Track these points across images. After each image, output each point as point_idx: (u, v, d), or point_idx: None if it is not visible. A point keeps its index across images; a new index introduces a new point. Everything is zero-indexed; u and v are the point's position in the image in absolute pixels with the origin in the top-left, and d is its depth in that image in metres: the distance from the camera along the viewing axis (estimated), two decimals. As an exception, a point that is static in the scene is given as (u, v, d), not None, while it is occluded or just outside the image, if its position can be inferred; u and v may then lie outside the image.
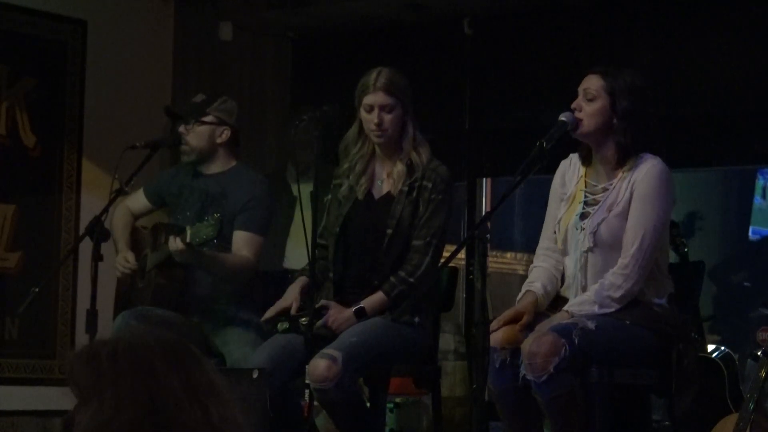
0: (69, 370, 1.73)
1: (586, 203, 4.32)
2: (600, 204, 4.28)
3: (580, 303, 4.20)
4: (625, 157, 4.25)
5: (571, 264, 4.32)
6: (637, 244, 4.18)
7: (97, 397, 1.69)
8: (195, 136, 5.13)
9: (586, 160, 4.37)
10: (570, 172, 4.41)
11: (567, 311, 4.21)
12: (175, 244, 4.74)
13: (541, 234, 4.49)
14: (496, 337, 4.14)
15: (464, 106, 6.48)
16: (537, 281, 4.37)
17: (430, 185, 4.62)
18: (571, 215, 4.33)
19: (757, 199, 9.73)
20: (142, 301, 5.12)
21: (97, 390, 1.70)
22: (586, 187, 4.35)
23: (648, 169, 4.23)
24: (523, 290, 4.38)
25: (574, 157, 4.42)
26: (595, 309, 4.17)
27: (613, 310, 4.18)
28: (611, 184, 4.28)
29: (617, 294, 4.17)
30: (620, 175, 4.27)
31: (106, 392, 1.69)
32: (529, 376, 4.04)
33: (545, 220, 4.47)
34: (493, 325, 4.16)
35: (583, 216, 4.30)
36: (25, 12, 6.36)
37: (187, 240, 4.69)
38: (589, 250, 4.26)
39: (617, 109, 4.24)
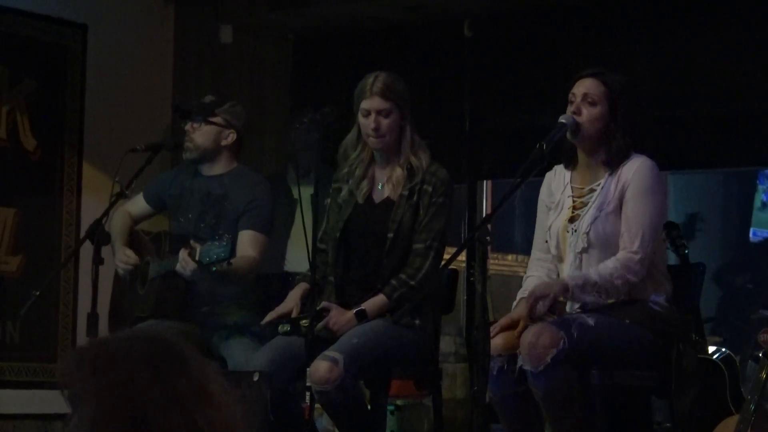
0: (60, 374, 1.73)
1: (575, 207, 4.35)
2: (590, 204, 4.30)
3: (582, 277, 4.18)
4: (618, 160, 4.28)
5: (566, 267, 4.34)
6: (638, 240, 4.20)
7: (80, 407, 1.69)
8: (201, 134, 5.14)
9: (570, 164, 4.39)
10: (556, 181, 4.43)
11: (565, 280, 4.18)
12: (186, 263, 4.74)
13: (533, 243, 4.52)
14: (495, 344, 4.16)
15: (464, 107, 6.47)
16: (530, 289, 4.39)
17: (430, 189, 4.64)
18: (561, 221, 4.35)
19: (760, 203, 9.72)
20: (143, 310, 5.12)
21: (81, 399, 1.69)
22: (573, 192, 4.37)
23: (638, 167, 4.27)
24: (518, 298, 4.41)
25: (558, 168, 4.45)
26: (593, 294, 4.15)
27: (609, 300, 4.18)
28: (599, 185, 4.31)
29: (619, 282, 4.17)
30: (607, 174, 4.30)
31: (87, 404, 1.68)
32: (527, 367, 4.06)
33: (535, 230, 4.50)
34: (491, 332, 4.17)
35: (573, 219, 4.33)
36: (26, 15, 6.37)
37: (197, 258, 4.69)
38: (584, 250, 4.27)
39: (617, 114, 4.27)
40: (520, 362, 4.10)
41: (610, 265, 4.19)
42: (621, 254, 4.21)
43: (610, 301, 4.22)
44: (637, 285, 4.23)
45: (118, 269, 5.17)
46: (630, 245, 4.21)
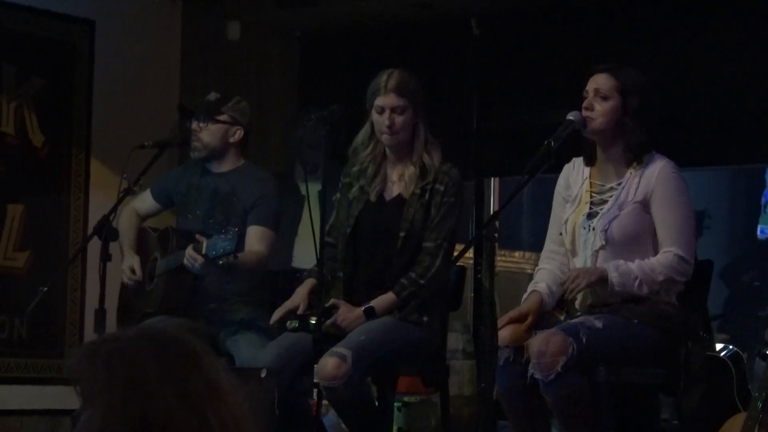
0: (72, 366, 1.72)
1: (592, 203, 4.33)
2: (610, 203, 4.29)
3: (623, 270, 4.17)
4: (636, 156, 4.27)
5: (580, 263, 4.33)
6: (681, 241, 4.21)
7: (91, 404, 1.68)
8: (208, 133, 5.15)
9: (590, 161, 4.38)
10: (574, 174, 4.42)
11: (605, 270, 4.17)
12: (192, 257, 4.74)
13: (546, 236, 4.51)
14: (503, 335, 4.16)
15: (472, 105, 6.48)
16: (542, 282, 4.38)
17: (442, 188, 4.64)
18: (578, 216, 4.34)
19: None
20: (150, 306, 5.13)
21: (92, 395, 1.68)
22: (591, 187, 4.36)
23: (662, 168, 4.27)
24: (529, 290, 4.40)
25: (577, 161, 4.44)
26: (631, 287, 4.15)
27: (643, 293, 4.18)
28: (620, 183, 4.30)
29: (661, 278, 4.18)
30: (629, 173, 4.29)
31: (98, 400, 1.68)
32: (537, 376, 4.05)
33: (550, 223, 4.50)
34: (499, 323, 4.17)
35: (591, 216, 4.31)
36: (33, 12, 6.37)
37: (203, 252, 4.69)
38: (601, 248, 4.26)
39: (628, 108, 4.26)
40: (530, 370, 4.08)
41: (653, 261, 4.20)
42: (665, 255, 4.20)
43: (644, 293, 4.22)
44: (679, 285, 4.23)
45: (123, 278, 5.19)
46: (672, 246, 4.20)
